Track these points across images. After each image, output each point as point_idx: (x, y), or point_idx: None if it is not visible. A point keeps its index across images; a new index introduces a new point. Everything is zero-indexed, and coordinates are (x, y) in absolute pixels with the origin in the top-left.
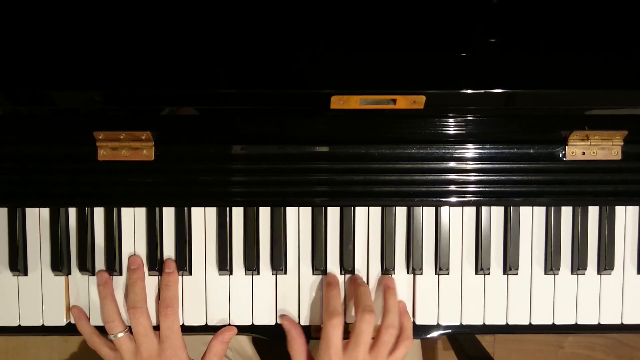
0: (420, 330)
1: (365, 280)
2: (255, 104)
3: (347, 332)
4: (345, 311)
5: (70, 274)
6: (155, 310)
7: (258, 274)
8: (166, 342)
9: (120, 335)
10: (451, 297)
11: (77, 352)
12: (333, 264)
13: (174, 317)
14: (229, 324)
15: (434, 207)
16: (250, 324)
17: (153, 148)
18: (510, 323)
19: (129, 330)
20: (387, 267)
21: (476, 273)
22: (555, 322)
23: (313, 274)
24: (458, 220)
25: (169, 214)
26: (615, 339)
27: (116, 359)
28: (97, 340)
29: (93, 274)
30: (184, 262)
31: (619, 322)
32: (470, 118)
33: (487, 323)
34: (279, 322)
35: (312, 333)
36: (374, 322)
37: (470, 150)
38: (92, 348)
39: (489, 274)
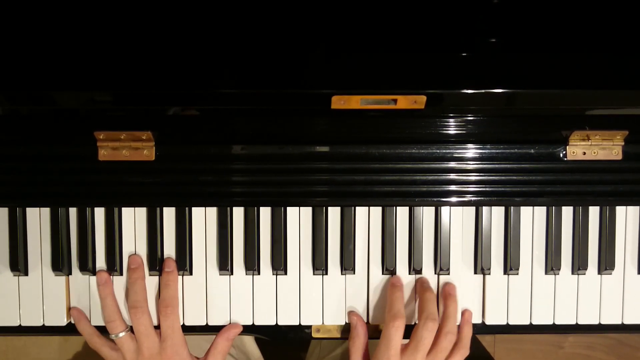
0: None
1: (365, 280)
2: (256, 104)
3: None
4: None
5: (70, 274)
6: (156, 310)
7: (259, 274)
8: (167, 341)
9: (121, 334)
10: None
11: (77, 352)
12: (334, 264)
13: (174, 316)
14: (230, 324)
15: (434, 207)
16: (250, 323)
17: (154, 148)
18: (510, 323)
19: (130, 329)
20: (387, 267)
21: (476, 273)
22: (556, 322)
23: (314, 274)
24: (459, 220)
25: (169, 214)
26: (616, 339)
27: (118, 359)
28: (98, 341)
29: (94, 274)
30: (184, 262)
31: (620, 322)
32: (471, 118)
33: (487, 323)
34: (279, 322)
35: (313, 333)
36: (435, 330)
37: (471, 150)
38: (93, 348)
39: (489, 274)
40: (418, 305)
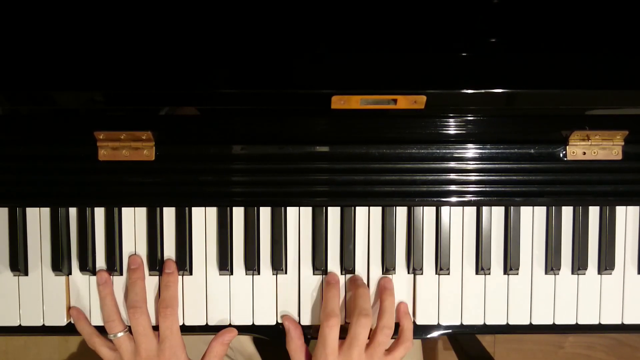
0: (420, 331)
1: (365, 280)
2: (255, 104)
3: (346, 331)
4: (346, 311)
5: (70, 274)
6: (155, 310)
7: (258, 274)
8: (165, 343)
9: (119, 335)
10: (452, 297)
11: (77, 352)
12: (334, 264)
13: (173, 317)
14: (230, 324)
15: (434, 207)
16: (250, 323)
17: (154, 148)
18: (510, 323)
19: (129, 330)
20: (387, 267)
21: (477, 273)
22: (556, 322)
23: (314, 274)
24: (459, 220)
25: (169, 214)
26: (616, 339)
27: (116, 359)
28: (97, 341)
29: (94, 274)
30: (184, 262)
31: (620, 322)
32: (471, 118)
33: (487, 323)
34: (279, 322)
35: (312, 333)
36: (369, 325)
37: (471, 150)
38: (91, 348)
39: (489, 274)
40: (351, 301)
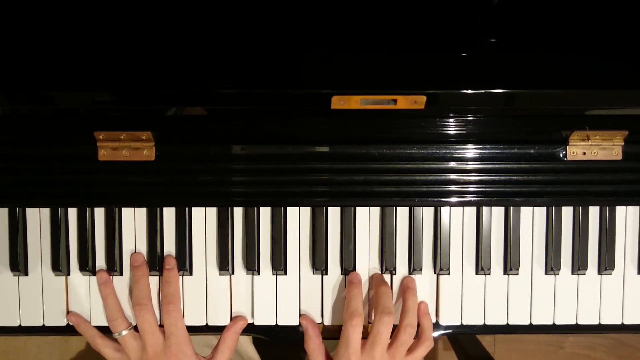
0: None
1: (365, 280)
2: (255, 104)
3: (367, 331)
4: (368, 310)
5: (70, 274)
6: (159, 308)
7: (259, 274)
8: (171, 339)
9: (124, 333)
10: (452, 297)
11: (77, 352)
12: (334, 265)
13: (176, 313)
14: (236, 317)
15: (434, 207)
16: (250, 323)
17: (154, 148)
18: (510, 323)
19: (133, 327)
20: (387, 267)
21: (477, 273)
22: (556, 322)
23: (313, 274)
24: (459, 220)
25: (169, 214)
26: (616, 339)
27: (121, 359)
28: (101, 342)
29: (94, 274)
30: (184, 262)
31: (620, 322)
32: (471, 118)
33: (487, 323)
34: (279, 322)
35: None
36: (392, 324)
37: (471, 151)
38: (96, 350)
39: (489, 274)
40: (373, 300)
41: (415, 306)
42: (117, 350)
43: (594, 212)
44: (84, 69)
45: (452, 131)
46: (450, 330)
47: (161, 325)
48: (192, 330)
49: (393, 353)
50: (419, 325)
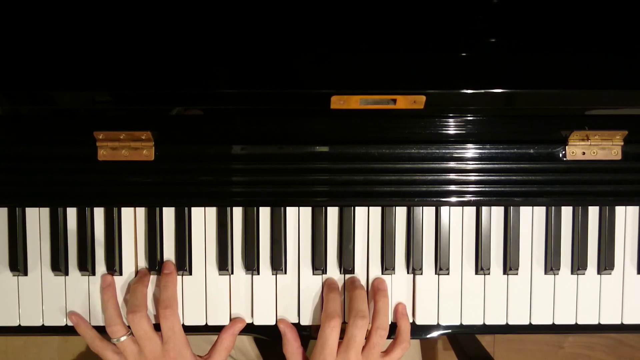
0: (420, 331)
1: (365, 280)
2: (255, 104)
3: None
4: (344, 313)
5: (70, 274)
6: (155, 311)
7: (258, 274)
8: (169, 343)
9: (123, 338)
10: (451, 297)
11: (77, 352)
12: (333, 264)
13: (173, 317)
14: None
15: (434, 207)
16: (250, 323)
17: (153, 148)
18: (510, 323)
19: (132, 333)
20: (387, 267)
21: (476, 273)
22: (555, 322)
23: (313, 274)
24: (458, 220)
25: (169, 214)
26: (616, 339)
27: None
28: (100, 344)
29: (93, 274)
30: (184, 262)
31: (619, 322)
32: (471, 118)
33: (487, 323)
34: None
35: (312, 333)
36: (366, 327)
37: (471, 150)
38: (95, 352)
39: (489, 274)
40: (348, 303)
41: (387, 308)
42: (117, 353)
43: (593, 212)
44: (83, 69)
45: (451, 131)
46: (450, 330)
47: (158, 329)
48: (192, 330)
49: (367, 355)
50: (396, 326)
